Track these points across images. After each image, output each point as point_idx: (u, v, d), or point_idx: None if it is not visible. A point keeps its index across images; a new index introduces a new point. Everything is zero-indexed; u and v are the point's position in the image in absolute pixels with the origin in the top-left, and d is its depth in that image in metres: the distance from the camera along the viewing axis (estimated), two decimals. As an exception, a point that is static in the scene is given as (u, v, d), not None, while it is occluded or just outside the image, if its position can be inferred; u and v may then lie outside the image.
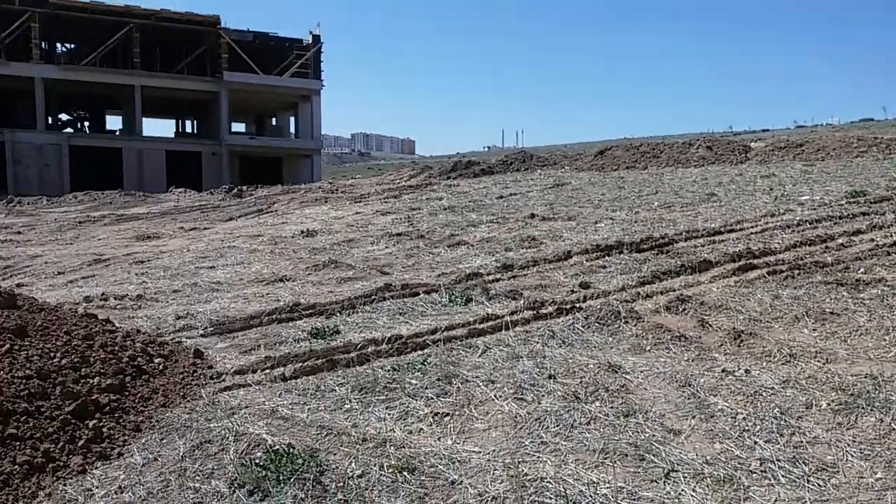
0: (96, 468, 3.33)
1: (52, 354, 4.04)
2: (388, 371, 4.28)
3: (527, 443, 3.27)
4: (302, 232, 11.52)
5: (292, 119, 46.15)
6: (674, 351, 4.52)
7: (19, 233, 14.89)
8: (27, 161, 33.54)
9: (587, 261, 7.65)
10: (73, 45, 40.62)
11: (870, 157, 17.79)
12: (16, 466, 3.22)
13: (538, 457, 3.14)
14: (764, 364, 4.19)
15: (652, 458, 3.08)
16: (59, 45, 40.38)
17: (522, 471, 2.99)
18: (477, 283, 6.73)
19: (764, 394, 3.73)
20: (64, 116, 47.05)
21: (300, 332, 5.35)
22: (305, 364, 4.56)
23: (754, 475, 2.93)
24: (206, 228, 13.85)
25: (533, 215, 11.63)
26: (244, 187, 21.98)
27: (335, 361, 4.56)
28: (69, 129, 44.96)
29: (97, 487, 3.12)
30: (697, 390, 3.83)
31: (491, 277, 7.13)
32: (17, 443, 3.37)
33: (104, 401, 3.85)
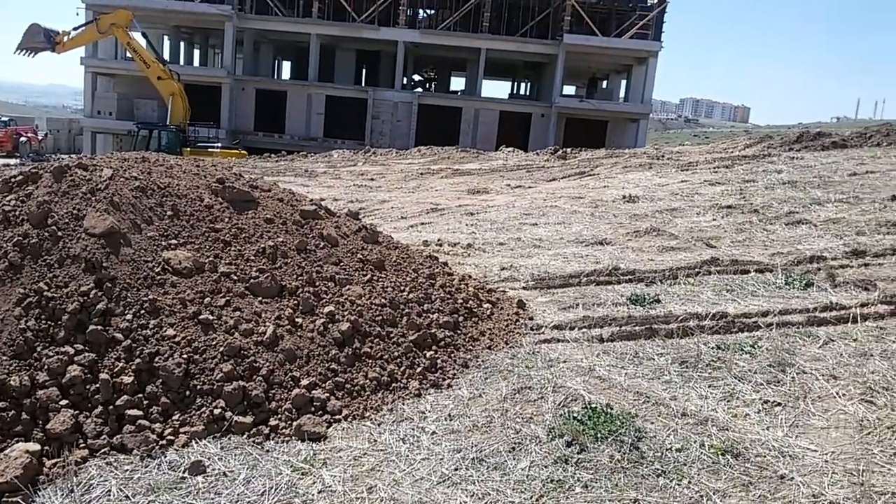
0: (429, 394, 3.71)
1: (402, 288, 4.57)
2: (713, 348, 4.07)
3: (876, 451, 2.88)
4: (623, 197, 11.38)
5: (623, 82, 45.49)
6: None
7: (372, 179, 17.00)
8: (383, 116, 38.04)
9: (968, 255, 6.40)
10: (431, 11, 44.61)
11: None
12: (367, 381, 3.73)
13: (889, 469, 2.75)
14: None
15: None
16: (420, 11, 44.61)
17: (869, 480, 2.64)
18: (820, 268, 6.04)
19: None
20: (416, 77, 52.31)
21: (618, 297, 5.32)
22: (623, 329, 4.54)
23: None
24: (530, 187, 14.40)
25: (894, 197, 10.02)
26: (568, 149, 22.35)
27: (654, 330, 4.46)
28: (419, 89, 49.85)
29: (429, 412, 3.47)
30: None
31: (837, 263, 6.34)
32: (370, 360, 3.90)
33: (440, 335, 4.26)
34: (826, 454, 2.87)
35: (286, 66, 51.56)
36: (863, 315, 4.70)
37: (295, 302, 4.00)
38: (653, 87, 38.83)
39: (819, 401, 3.40)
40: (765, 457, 2.84)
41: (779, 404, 3.35)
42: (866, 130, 22.12)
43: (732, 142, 24.71)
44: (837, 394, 3.45)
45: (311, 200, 5.38)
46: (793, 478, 2.68)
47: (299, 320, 3.88)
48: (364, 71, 45.65)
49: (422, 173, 17.78)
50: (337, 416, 3.36)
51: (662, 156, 19.47)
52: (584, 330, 4.60)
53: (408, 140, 35.15)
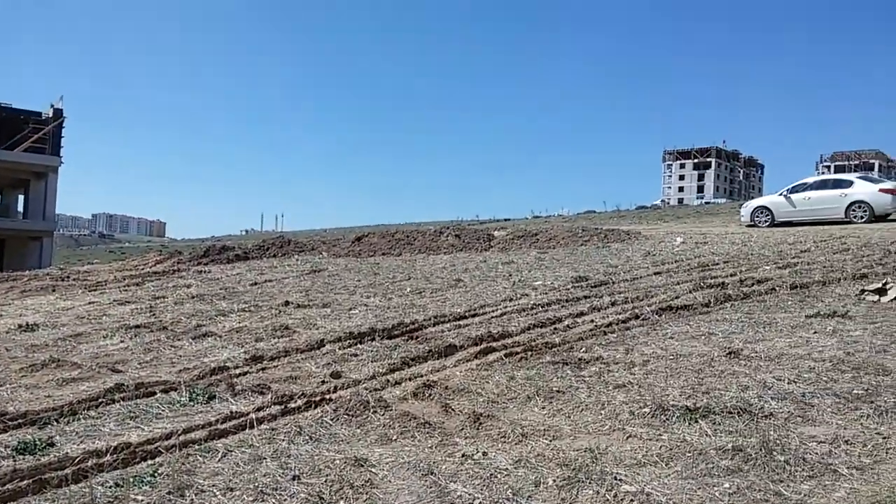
0: None
1: None
2: (110, 488, 3.81)
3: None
4: (20, 326, 10.12)
5: (21, 197, 41.33)
6: (419, 438, 4.59)
7: None
8: None
9: (340, 349, 7.61)
10: None
11: (591, 245, 20.17)
12: None
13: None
14: (500, 445, 4.40)
15: (393, 556, 3.04)
16: None
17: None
18: (222, 379, 6.36)
19: (499, 475, 3.90)
20: None
21: (2, 449, 4.59)
22: (5, 488, 3.90)
23: (489, 562, 3.00)
24: None
25: (287, 303, 11.41)
26: (-49, 275, 18.98)
27: (45, 481, 3.96)
28: None
29: None
30: (439, 477, 3.89)
31: (238, 371, 6.78)
32: None
33: None
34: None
35: None
36: (259, 419, 5.07)
37: None
38: (55, 202, 36.44)
39: (216, 517, 3.47)
40: None
41: (177, 532, 3.30)
42: (264, 243, 24.92)
43: (144, 258, 24.75)
44: (233, 505, 3.59)
45: None
46: None
47: None
48: None
49: None
50: None
51: (69, 276, 18.19)
52: (-48, 501, 3.79)
53: None
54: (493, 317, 9.18)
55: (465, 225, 32.34)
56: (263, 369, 6.91)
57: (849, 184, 24.00)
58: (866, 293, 8.86)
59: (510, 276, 13.76)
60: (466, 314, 9.45)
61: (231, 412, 5.26)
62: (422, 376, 6.22)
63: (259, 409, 5.36)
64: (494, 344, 7.37)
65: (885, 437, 4.19)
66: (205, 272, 18.38)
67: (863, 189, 23.41)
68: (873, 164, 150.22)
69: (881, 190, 23.30)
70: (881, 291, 8.76)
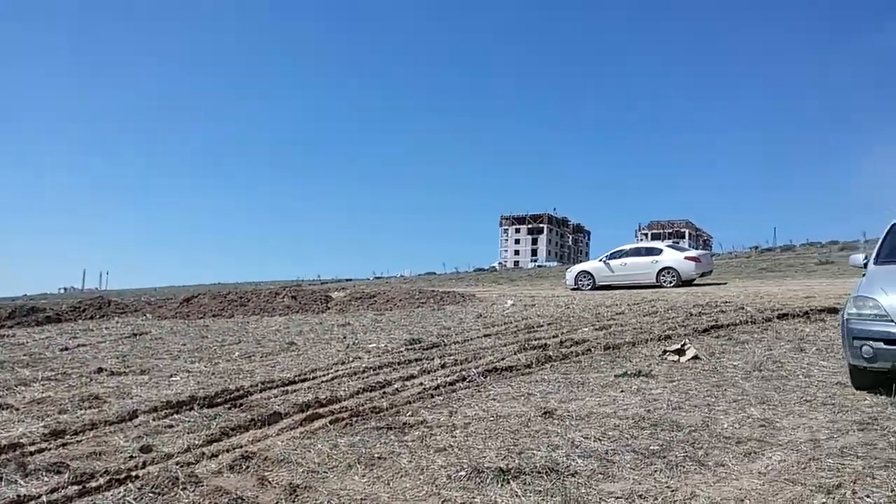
0: None
1: None
2: None
3: None
4: None
5: None
6: (230, 515, 4.40)
7: None
8: None
9: (154, 420, 7.16)
10: None
11: (427, 307, 20.54)
12: None
13: None
14: (315, 518, 4.32)
15: None
16: None
17: None
18: (13, 458, 5.75)
19: (310, 551, 3.81)
20: None
21: None
22: None
23: None
24: None
25: (101, 369, 10.59)
26: None
27: None
28: None
29: None
30: (247, 557, 3.74)
31: (34, 448, 6.17)
32: None
33: None
34: None
35: None
36: (51, 502, 4.65)
37: None
38: None
39: None
40: None
41: None
42: (80, 304, 23.08)
43: (-65, 320, 21.99)
44: None
45: None
46: None
47: None
48: None
49: None
50: None
51: None
52: None
53: None
54: (323, 381, 9.05)
55: (305, 285, 31.83)
56: (64, 445, 6.34)
57: (659, 251, 26.34)
58: (668, 353, 9.70)
59: (345, 338, 13.67)
60: (296, 379, 9.24)
61: (18, 496, 4.77)
62: (241, 447, 5.99)
63: (53, 491, 4.90)
64: (321, 410, 7.25)
65: (673, 491, 4.57)
66: (8, 336, 16.67)
67: (671, 257, 25.76)
68: (684, 232, 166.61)
69: (686, 258, 25.76)
70: (680, 352, 9.63)
